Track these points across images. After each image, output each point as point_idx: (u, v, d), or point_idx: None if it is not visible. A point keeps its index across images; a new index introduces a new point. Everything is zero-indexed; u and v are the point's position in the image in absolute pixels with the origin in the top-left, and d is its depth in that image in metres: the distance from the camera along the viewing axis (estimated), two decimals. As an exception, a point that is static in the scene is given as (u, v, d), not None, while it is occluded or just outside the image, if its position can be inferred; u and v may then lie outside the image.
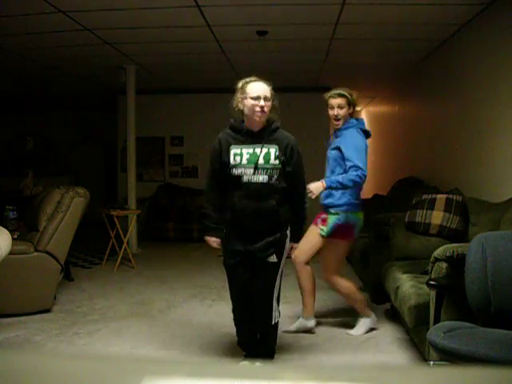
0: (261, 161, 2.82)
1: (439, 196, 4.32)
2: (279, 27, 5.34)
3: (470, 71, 4.93)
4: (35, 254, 4.34)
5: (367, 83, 8.46)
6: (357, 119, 3.73)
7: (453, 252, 2.86)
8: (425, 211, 4.27)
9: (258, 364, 0.56)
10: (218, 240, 3.01)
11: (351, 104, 3.67)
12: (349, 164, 3.47)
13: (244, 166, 2.83)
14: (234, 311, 3.18)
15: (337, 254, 3.75)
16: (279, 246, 2.96)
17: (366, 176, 3.48)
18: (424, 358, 3.05)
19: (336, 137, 3.71)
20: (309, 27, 5.35)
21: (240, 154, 2.85)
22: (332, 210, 3.61)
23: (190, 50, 6.33)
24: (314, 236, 3.72)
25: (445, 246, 2.95)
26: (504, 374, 0.51)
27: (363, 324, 3.83)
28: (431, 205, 4.27)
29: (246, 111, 2.87)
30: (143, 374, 0.49)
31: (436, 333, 2.31)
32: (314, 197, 3.32)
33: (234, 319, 3.19)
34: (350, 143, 3.57)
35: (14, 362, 0.54)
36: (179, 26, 5.29)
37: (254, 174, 2.81)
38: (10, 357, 0.57)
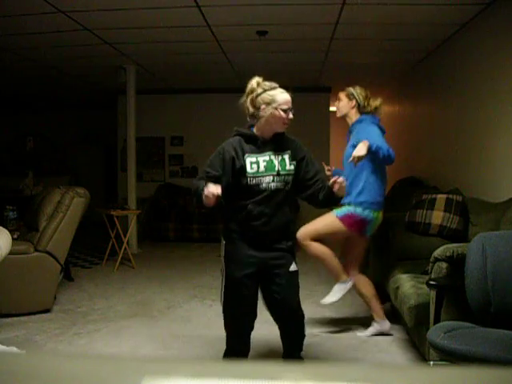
0: (278, 167, 2.79)
1: (439, 196, 4.32)
2: (279, 27, 5.34)
3: (470, 71, 4.93)
4: (35, 254, 4.34)
5: (367, 83, 8.44)
6: (373, 116, 3.75)
7: (453, 252, 2.86)
8: (425, 211, 4.26)
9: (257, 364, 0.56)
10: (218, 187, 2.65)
11: (354, 99, 3.75)
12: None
13: (262, 174, 2.77)
14: (233, 325, 3.00)
15: (329, 227, 3.63)
16: (293, 254, 2.93)
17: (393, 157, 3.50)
18: (424, 357, 3.05)
19: (350, 132, 3.76)
20: (309, 27, 5.35)
21: (256, 163, 2.78)
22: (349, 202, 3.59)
23: (190, 50, 6.33)
24: (327, 216, 3.66)
25: (445, 246, 2.95)
26: (504, 373, 0.50)
27: (338, 289, 3.73)
28: (431, 205, 4.27)
29: (270, 119, 2.77)
30: (143, 373, 0.49)
31: (436, 333, 2.31)
32: (358, 160, 3.30)
33: (231, 331, 3.01)
34: (368, 135, 3.52)
35: (14, 362, 0.54)
36: (179, 26, 5.29)
37: (272, 181, 2.77)
38: (10, 357, 0.57)
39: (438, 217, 4.17)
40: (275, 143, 2.82)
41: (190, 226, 8.57)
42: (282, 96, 2.78)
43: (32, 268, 4.32)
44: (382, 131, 3.71)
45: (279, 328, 3.04)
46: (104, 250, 6.75)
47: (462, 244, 3.03)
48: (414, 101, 7.62)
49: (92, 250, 7.59)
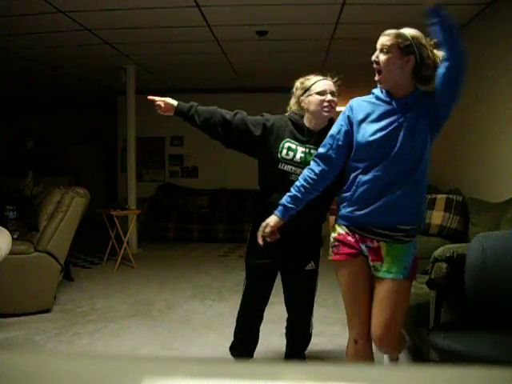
0: None
1: (439, 196, 4.32)
2: (279, 27, 5.34)
3: (470, 71, 4.91)
4: (35, 253, 4.34)
5: (367, 83, 8.46)
6: None
7: (453, 252, 2.85)
8: (425, 211, 4.26)
9: (257, 364, 0.56)
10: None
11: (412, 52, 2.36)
12: None
13: (295, 164, 2.63)
14: (245, 313, 2.97)
15: (407, 302, 2.39)
16: (315, 252, 2.81)
17: None
18: (424, 358, 3.05)
19: (398, 108, 2.36)
20: (309, 27, 5.35)
21: (294, 150, 2.66)
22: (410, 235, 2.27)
23: (190, 50, 6.33)
24: (396, 288, 2.27)
25: (445, 246, 2.95)
26: (504, 374, 0.50)
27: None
28: (431, 205, 4.27)
29: (310, 109, 2.68)
30: (143, 373, 0.49)
31: (436, 333, 2.31)
32: None
33: (242, 321, 2.99)
34: None
35: (14, 361, 0.54)
36: (179, 26, 5.29)
37: None
38: (10, 357, 0.57)
39: (438, 217, 4.17)
40: (321, 136, 2.57)
41: (190, 226, 8.57)
42: (317, 82, 2.75)
43: (32, 268, 4.33)
44: None
45: (287, 322, 3.02)
46: (104, 250, 6.75)
47: (462, 244, 3.03)
48: (414, 101, 7.62)
49: (92, 250, 7.59)
